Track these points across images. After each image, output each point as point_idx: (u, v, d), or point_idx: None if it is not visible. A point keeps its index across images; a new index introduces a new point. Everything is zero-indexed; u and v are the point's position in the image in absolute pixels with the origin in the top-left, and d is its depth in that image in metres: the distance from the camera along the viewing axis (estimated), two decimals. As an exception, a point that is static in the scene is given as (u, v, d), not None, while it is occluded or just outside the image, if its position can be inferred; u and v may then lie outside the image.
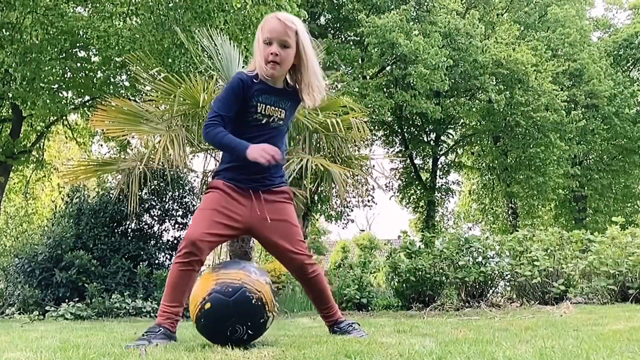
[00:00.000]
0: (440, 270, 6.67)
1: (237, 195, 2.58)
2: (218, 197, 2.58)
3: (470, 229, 24.04)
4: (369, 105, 14.51)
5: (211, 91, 5.56)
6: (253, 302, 2.23)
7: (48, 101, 10.09)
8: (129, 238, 7.06)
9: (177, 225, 7.50)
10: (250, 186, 2.60)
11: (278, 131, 2.65)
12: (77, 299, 6.08)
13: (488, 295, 6.66)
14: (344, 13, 16.63)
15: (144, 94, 9.75)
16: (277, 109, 2.62)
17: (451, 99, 17.18)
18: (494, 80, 16.85)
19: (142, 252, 6.88)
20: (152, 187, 7.05)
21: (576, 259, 6.48)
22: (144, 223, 7.31)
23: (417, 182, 21.29)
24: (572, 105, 19.81)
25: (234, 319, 2.21)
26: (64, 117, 14.48)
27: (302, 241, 2.66)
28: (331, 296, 2.77)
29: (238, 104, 2.58)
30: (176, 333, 2.60)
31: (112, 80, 11.69)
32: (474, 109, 17.63)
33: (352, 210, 19.33)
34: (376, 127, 19.36)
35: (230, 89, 2.60)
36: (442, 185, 22.03)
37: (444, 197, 22.41)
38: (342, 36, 18.00)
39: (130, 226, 7.21)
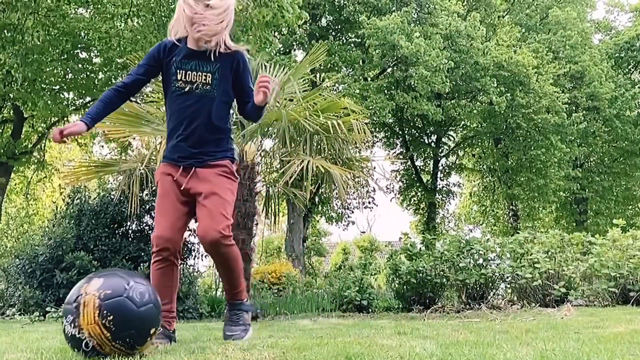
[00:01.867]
0: (441, 272, 6.67)
1: (176, 170, 2.51)
2: (169, 180, 2.51)
3: (471, 231, 24.02)
4: (370, 107, 14.51)
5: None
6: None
7: (49, 102, 10.10)
8: (130, 239, 7.06)
9: (177, 227, 7.49)
10: (186, 163, 2.50)
11: (208, 99, 2.46)
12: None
13: (489, 297, 6.66)
14: (345, 15, 16.65)
15: (145, 96, 9.77)
16: (200, 73, 2.44)
17: (452, 101, 17.20)
18: (495, 82, 16.85)
19: (142, 254, 6.88)
20: (153, 188, 7.05)
21: (577, 261, 6.48)
22: (144, 224, 7.31)
23: (418, 184, 21.29)
24: (573, 108, 19.81)
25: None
26: (65, 118, 14.48)
27: (225, 217, 2.48)
28: (240, 280, 2.63)
29: (152, 66, 2.51)
30: (175, 334, 2.59)
31: (113, 81, 11.69)
32: (474, 111, 17.64)
33: (352, 212, 19.36)
34: (377, 129, 19.36)
35: (150, 51, 2.55)
36: (443, 187, 22.03)
37: (444, 199, 22.41)
38: (343, 38, 18.02)
39: (131, 227, 7.21)
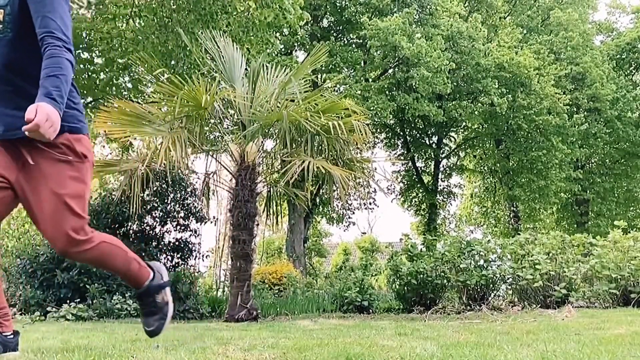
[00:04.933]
0: (442, 274, 6.68)
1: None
2: None
3: (471, 232, 24.01)
4: (371, 108, 14.50)
5: (213, 93, 5.57)
6: None
7: (51, 102, 10.08)
8: (131, 239, 7.07)
9: (178, 227, 7.51)
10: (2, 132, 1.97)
11: (3, 41, 1.96)
12: (78, 299, 6.09)
13: (489, 298, 6.67)
14: (346, 16, 16.66)
15: (146, 96, 9.79)
16: None
17: (453, 102, 17.19)
18: (497, 83, 16.85)
19: (143, 254, 6.89)
20: (154, 188, 7.06)
21: (578, 262, 6.48)
22: (145, 224, 7.32)
23: (419, 185, 21.28)
24: (575, 109, 19.79)
25: None
26: (67, 118, 14.50)
27: (71, 218, 1.97)
28: (128, 268, 2.19)
29: None
30: (15, 338, 2.16)
31: (115, 82, 11.71)
32: (476, 112, 17.64)
33: (353, 213, 19.34)
34: (378, 130, 19.36)
35: None
36: (444, 188, 22.02)
37: (445, 200, 22.40)
38: (345, 39, 18.01)
39: (132, 228, 7.22)
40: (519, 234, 7.19)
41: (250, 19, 8.41)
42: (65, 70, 1.89)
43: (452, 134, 21.65)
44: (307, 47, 15.94)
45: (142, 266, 2.22)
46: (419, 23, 16.66)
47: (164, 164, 5.35)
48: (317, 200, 16.84)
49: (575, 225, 21.57)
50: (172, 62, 8.60)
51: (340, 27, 17.80)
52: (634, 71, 23.33)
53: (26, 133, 1.78)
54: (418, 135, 20.95)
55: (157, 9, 8.38)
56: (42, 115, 1.76)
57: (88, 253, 2.03)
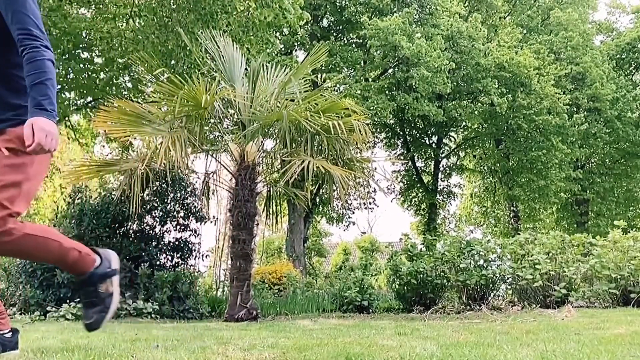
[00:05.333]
0: (442, 273, 6.68)
1: None
2: None
3: (471, 232, 23.99)
4: (371, 108, 14.51)
5: (213, 92, 5.57)
6: None
7: (51, 102, 10.07)
8: (131, 239, 7.07)
9: (178, 227, 7.51)
10: None
11: None
12: (78, 299, 6.09)
13: (489, 298, 6.67)
14: (346, 15, 16.66)
15: (146, 96, 9.78)
16: None
17: (453, 102, 17.20)
18: (496, 83, 16.86)
19: (143, 253, 6.89)
20: (154, 188, 7.05)
21: (578, 262, 6.49)
22: (145, 224, 7.32)
23: (418, 185, 21.29)
24: (575, 109, 19.80)
25: None
26: (67, 118, 14.50)
27: (0, 206, 1.84)
28: (64, 259, 2.07)
29: None
30: (15, 337, 2.20)
31: (115, 81, 11.70)
32: (476, 112, 17.65)
33: (353, 213, 19.36)
34: (378, 130, 19.37)
35: None
36: (443, 188, 22.03)
37: (445, 199, 22.40)
38: (345, 39, 18.02)
39: (132, 227, 7.21)
40: (519, 234, 7.19)
41: (250, 19, 8.41)
42: (50, 74, 1.87)
43: (452, 133, 21.65)
44: (307, 46, 15.94)
45: (85, 254, 2.10)
46: (419, 23, 16.66)
47: (164, 163, 5.35)
48: (317, 200, 16.84)
49: (575, 225, 21.57)
50: (172, 62, 8.61)
51: (340, 27, 17.80)
52: (634, 71, 23.33)
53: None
54: (418, 135, 20.96)
55: (157, 9, 8.38)
56: (40, 132, 1.78)
57: (4, 245, 1.90)
